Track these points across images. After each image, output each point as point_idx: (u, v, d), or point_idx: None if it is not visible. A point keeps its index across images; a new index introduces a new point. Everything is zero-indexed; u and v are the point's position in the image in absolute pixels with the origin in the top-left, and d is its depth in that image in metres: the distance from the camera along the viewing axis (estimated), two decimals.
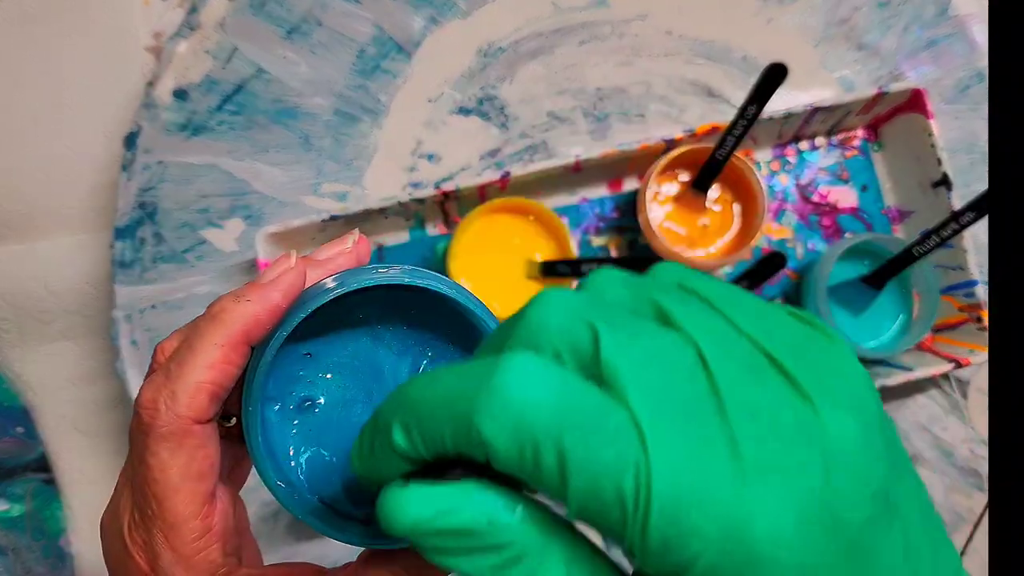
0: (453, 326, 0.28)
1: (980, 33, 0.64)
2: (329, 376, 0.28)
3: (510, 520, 0.17)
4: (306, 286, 0.27)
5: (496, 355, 0.17)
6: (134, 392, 0.61)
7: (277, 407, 0.28)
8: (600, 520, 0.16)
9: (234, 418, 0.30)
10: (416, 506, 0.18)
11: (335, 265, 0.28)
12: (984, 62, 0.64)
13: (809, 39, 0.64)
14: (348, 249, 0.28)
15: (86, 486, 0.67)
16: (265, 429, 0.27)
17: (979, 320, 0.57)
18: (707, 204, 0.59)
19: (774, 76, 0.49)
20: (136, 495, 0.25)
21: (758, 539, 0.16)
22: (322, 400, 0.28)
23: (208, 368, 0.24)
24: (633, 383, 0.16)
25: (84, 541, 0.66)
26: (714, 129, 0.57)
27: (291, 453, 0.28)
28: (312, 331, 0.28)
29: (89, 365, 0.67)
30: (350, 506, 0.28)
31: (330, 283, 0.26)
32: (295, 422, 0.28)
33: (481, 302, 0.26)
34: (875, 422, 0.17)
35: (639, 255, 0.61)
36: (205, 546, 0.25)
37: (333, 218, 0.56)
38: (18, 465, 0.67)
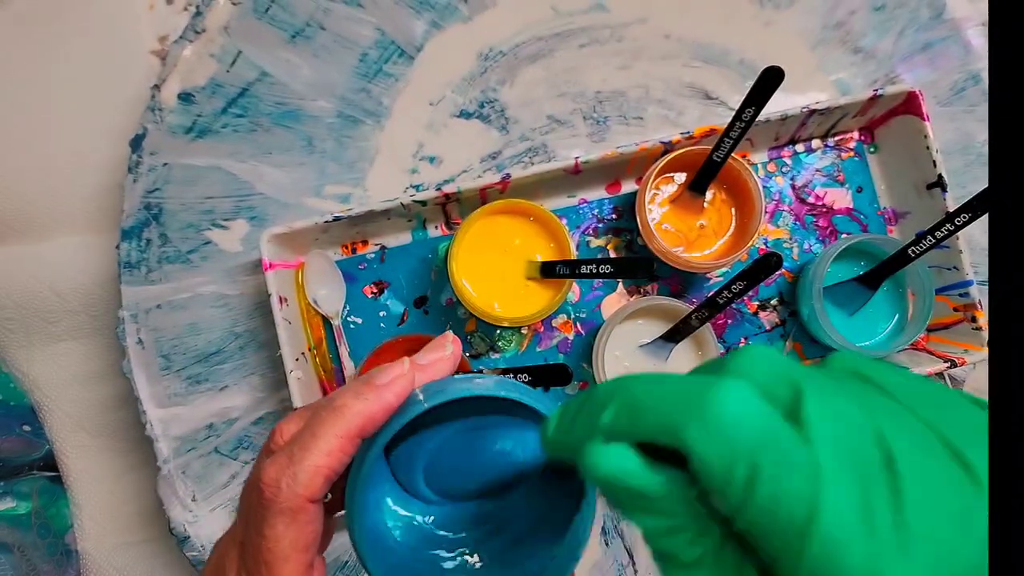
0: (530, 428, 0.34)
1: (975, 36, 0.65)
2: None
3: (683, 497, 0.21)
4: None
5: (715, 376, 0.21)
6: (140, 392, 0.61)
7: (375, 494, 0.33)
8: (764, 537, 0.19)
9: (329, 495, 0.33)
10: (614, 460, 0.22)
11: (436, 370, 0.33)
12: (979, 64, 0.65)
13: (805, 42, 0.65)
14: (447, 356, 0.34)
15: (92, 484, 0.67)
16: (365, 516, 0.31)
17: (974, 320, 0.58)
18: (704, 205, 0.60)
19: (771, 79, 0.49)
20: (248, 560, 0.29)
21: None
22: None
23: (327, 455, 0.28)
24: (823, 433, 0.19)
25: (89, 539, 0.67)
26: (712, 131, 0.58)
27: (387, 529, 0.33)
28: (412, 429, 0.33)
29: (95, 365, 0.67)
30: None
31: (419, 396, 0.31)
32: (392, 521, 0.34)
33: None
34: None
35: (637, 256, 0.62)
36: None
37: (336, 219, 0.57)
38: (24, 463, 0.68)
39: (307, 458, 0.28)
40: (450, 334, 0.34)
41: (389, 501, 0.34)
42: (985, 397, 0.23)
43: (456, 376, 0.33)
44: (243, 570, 0.29)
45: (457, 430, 0.34)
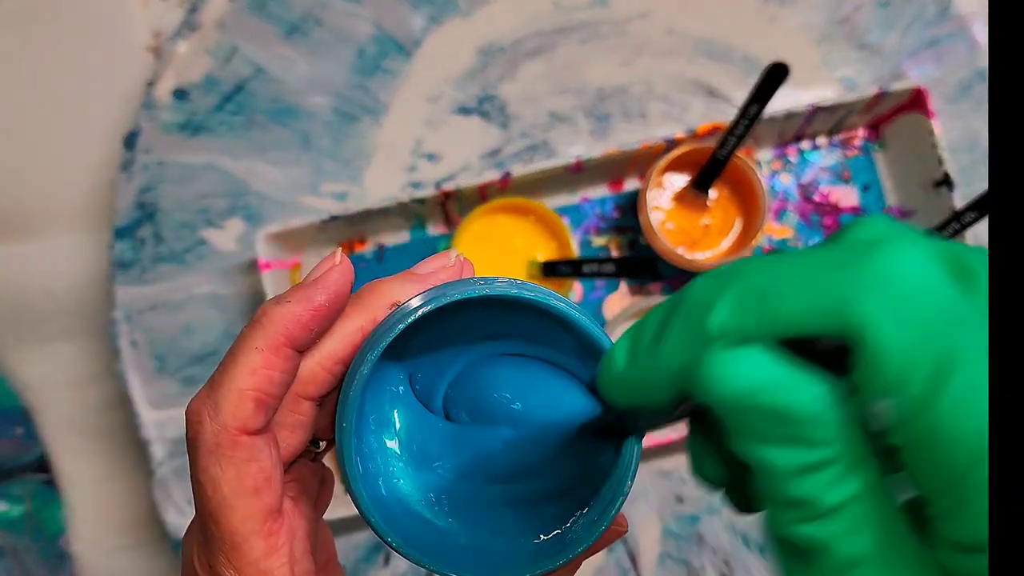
0: (562, 341, 0.26)
1: (981, 32, 0.64)
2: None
3: (840, 414, 0.16)
4: (402, 301, 0.25)
5: (876, 243, 0.16)
6: (134, 393, 0.60)
7: (375, 428, 0.26)
8: (944, 454, 0.15)
9: (323, 443, 0.28)
10: (753, 369, 0.16)
11: (436, 280, 0.26)
12: (986, 61, 0.64)
13: (810, 38, 0.64)
14: (451, 265, 0.26)
15: (85, 487, 0.67)
16: (363, 450, 0.25)
17: None
18: (708, 204, 0.59)
19: (775, 75, 0.49)
20: (199, 516, 0.24)
21: None
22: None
23: (250, 374, 0.23)
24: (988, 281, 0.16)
25: (83, 542, 0.66)
26: (715, 128, 0.57)
27: (392, 477, 0.26)
28: (415, 350, 0.26)
29: (88, 366, 0.67)
30: (448, 530, 0.26)
31: (416, 302, 0.24)
32: (393, 443, 0.27)
33: (591, 317, 0.24)
34: None
35: (640, 255, 0.61)
36: (270, 568, 0.23)
37: (333, 218, 0.56)
38: (17, 466, 0.67)
39: (226, 381, 0.23)
40: (455, 250, 0.27)
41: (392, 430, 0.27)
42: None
43: (459, 280, 0.25)
44: (201, 532, 0.24)
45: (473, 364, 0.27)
